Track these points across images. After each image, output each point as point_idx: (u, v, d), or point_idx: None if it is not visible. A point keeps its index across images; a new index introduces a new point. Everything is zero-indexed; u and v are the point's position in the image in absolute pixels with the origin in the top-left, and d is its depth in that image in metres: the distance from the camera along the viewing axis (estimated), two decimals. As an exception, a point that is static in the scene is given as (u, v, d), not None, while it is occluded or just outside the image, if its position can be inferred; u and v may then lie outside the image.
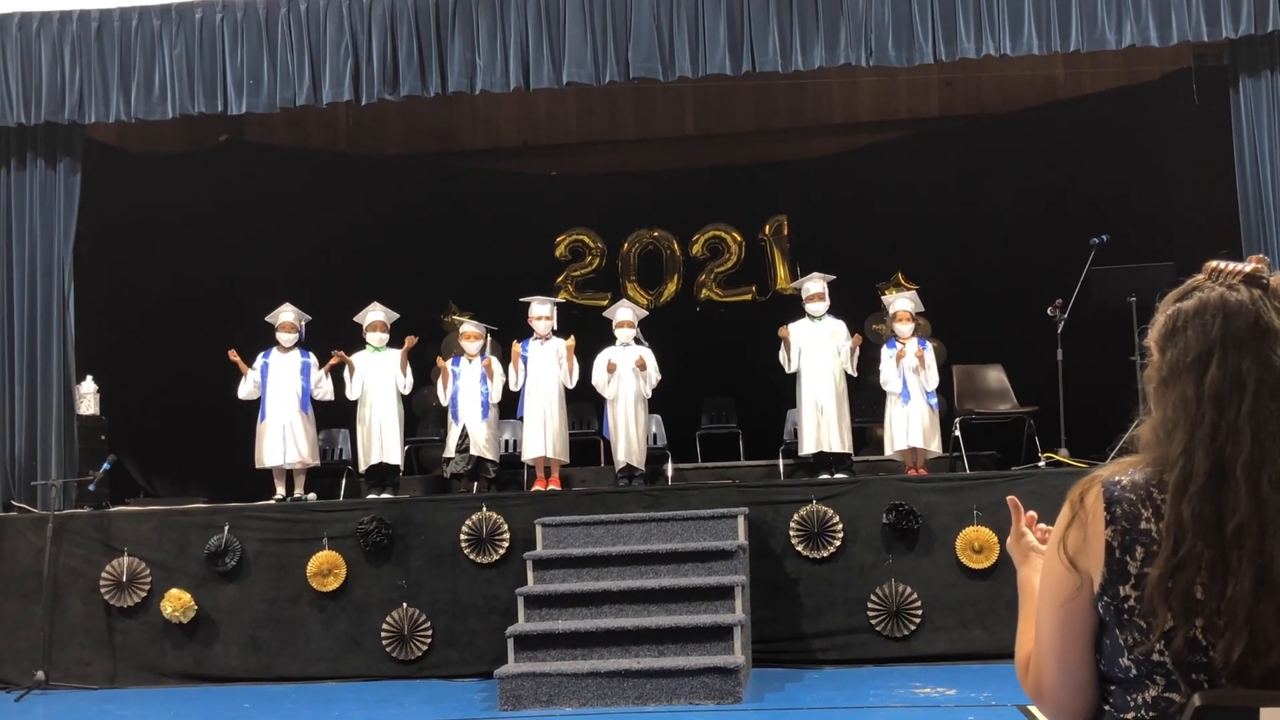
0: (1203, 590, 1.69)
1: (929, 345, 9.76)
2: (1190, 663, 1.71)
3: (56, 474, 9.51)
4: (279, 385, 9.73)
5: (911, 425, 9.44)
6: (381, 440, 9.81)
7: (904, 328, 9.63)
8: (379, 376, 9.87)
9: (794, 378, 9.80)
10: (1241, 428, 1.72)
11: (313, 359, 9.86)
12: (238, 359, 9.76)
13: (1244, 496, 1.70)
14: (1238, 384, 1.74)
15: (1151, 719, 1.75)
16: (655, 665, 7.33)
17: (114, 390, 10.54)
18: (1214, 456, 1.73)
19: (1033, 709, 6.63)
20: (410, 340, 9.95)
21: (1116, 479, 1.80)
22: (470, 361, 9.90)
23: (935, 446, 9.57)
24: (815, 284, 9.85)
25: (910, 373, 9.48)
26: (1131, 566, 1.75)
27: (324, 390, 9.86)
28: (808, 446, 9.66)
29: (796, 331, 9.74)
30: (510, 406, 10.16)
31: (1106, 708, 1.82)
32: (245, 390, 9.81)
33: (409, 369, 9.95)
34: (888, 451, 9.81)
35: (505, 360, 10.00)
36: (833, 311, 9.84)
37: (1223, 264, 1.83)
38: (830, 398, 9.56)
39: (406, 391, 10.07)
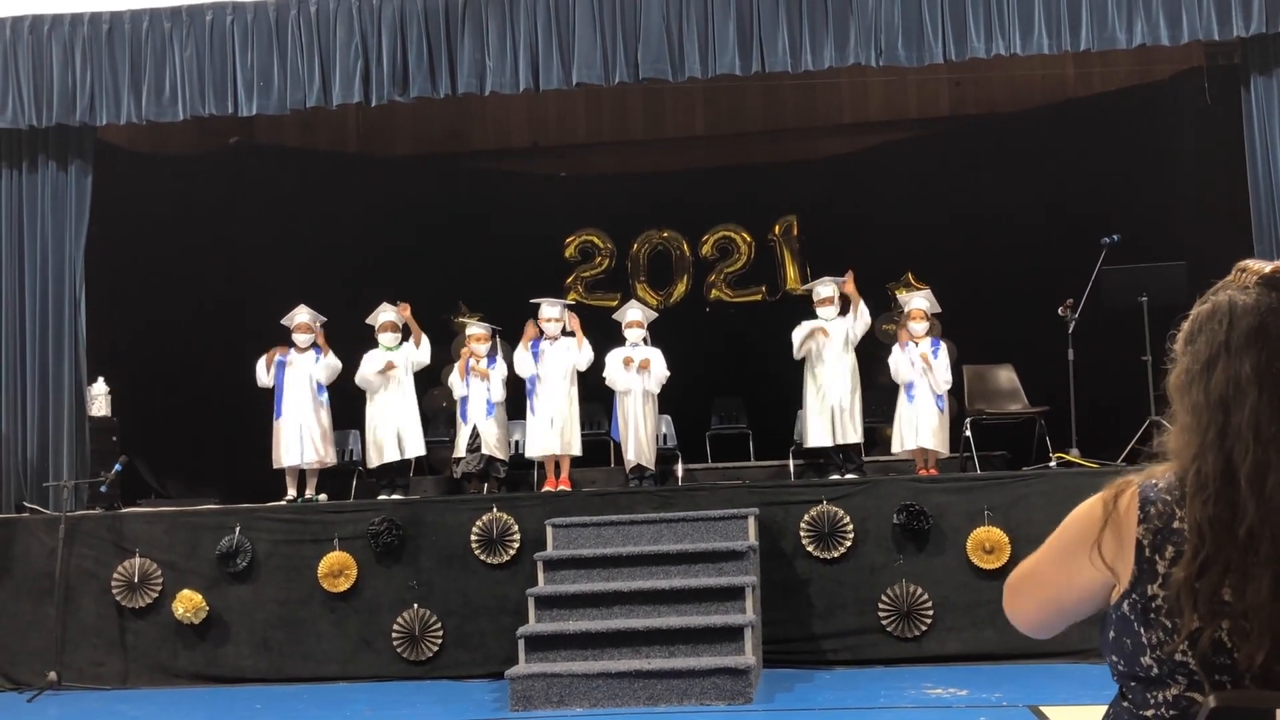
0: (1231, 592, 1.69)
1: (942, 345, 9.73)
2: (1215, 664, 1.71)
3: (68, 475, 9.54)
4: (295, 386, 9.76)
5: (921, 425, 9.43)
6: (400, 436, 9.80)
7: (919, 326, 9.62)
8: (393, 374, 9.87)
9: (803, 377, 9.80)
10: (1244, 432, 1.73)
11: (324, 358, 9.87)
12: (273, 355, 9.78)
13: (1251, 501, 1.70)
14: (1240, 389, 1.74)
15: (1171, 717, 1.75)
16: (666, 666, 7.33)
17: (125, 391, 10.57)
18: (1222, 461, 1.73)
19: (1044, 709, 6.62)
20: (404, 307, 9.89)
21: (1153, 482, 1.81)
22: (479, 363, 9.92)
23: (943, 447, 9.55)
24: (825, 288, 9.83)
25: (923, 371, 9.48)
26: (1160, 565, 1.75)
27: (328, 366, 9.82)
28: (821, 441, 9.64)
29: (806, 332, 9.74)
30: (518, 408, 10.16)
31: (1125, 704, 1.82)
32: (262, 378, 9.85)
33: (424, 338, 9.91)
34: (895, 449, 9.79)
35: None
36: (843, 314, 9.82)
37: (1251, 263, 1.83)
38: (845, 398, 9.56)
39: (427, 360, 9.99)
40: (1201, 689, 1.72)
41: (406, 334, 9.99)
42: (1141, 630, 1.76)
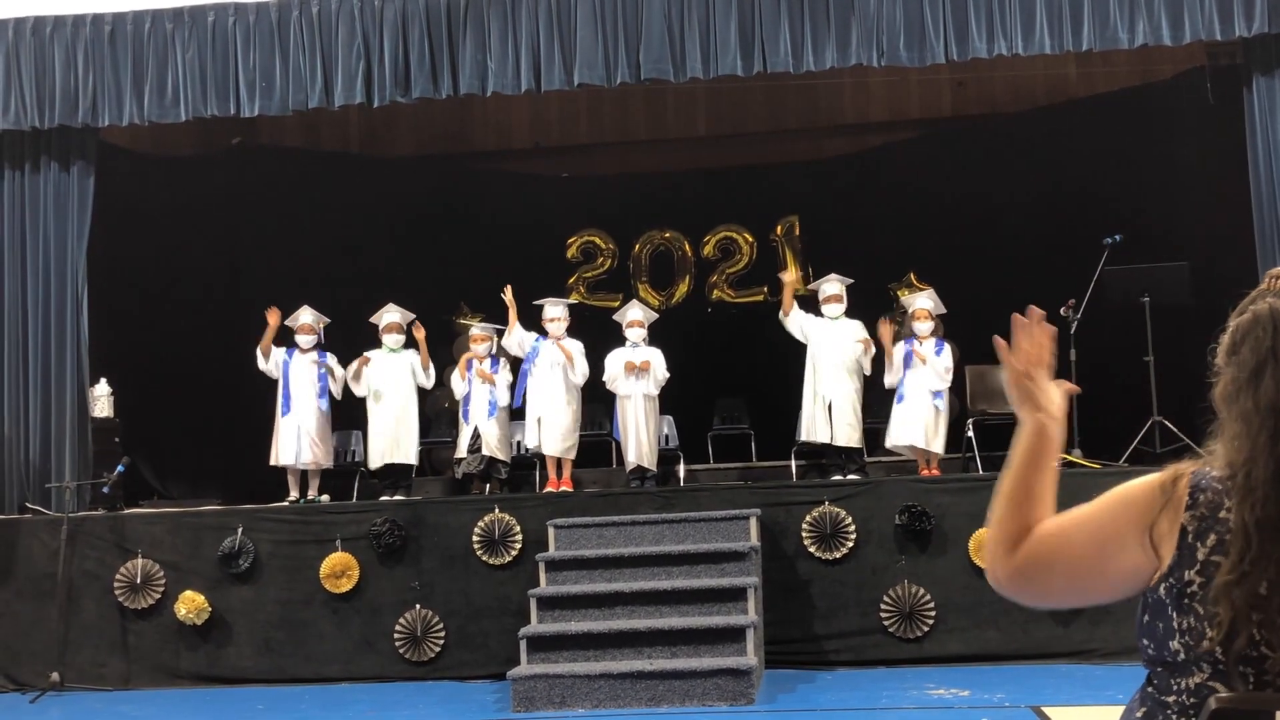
0: (1267, 587, 1.70)
1: (946, 346, 9.71)
2: (1241, 656, 1.72)
3: (71, 476, 9.55)
4: (298, 386, 9.77)
5: (912, 423, 9.41)
6: (397, 440, 9.81)
7: (923, 326, 9.61)
8: (395, 377, 9.88)
9: (805, 374, 9.78)
10: None
11: (331, 360, 9.88)
12: (269, 340, 9.77)
13: None
14: None
15: (1192, 705, 1.76)
16: (668, 667, 7.33)
17: (128, 392, 10.57)
18: (1274, 464, 1.75)
19: (1046, 709, 6.61)
20: (419, 331, 9.94)
21: (1207, 469, 1.83)
22: (480, 363, 9.92)
23: (938, 447, 9.51)
24: (832, 285, 9.82)
25: (917, 370, 9.45)
26: (1200, 552, 1.77)
27: (341, 376, 9.87)
28: (809, 435, 9.63)
29: (814, 328, 9.72)
30: (519, 409, 10.16)
31: (1150, 690, 1.84)
32: (262, 362, 9.86)
33: (430, 365, 9.97)
34: (887, 443, 9.74)
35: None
36: (846, 312, 9.81)
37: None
38: (843, 396, 9.54)
39: (430, 385, 10.09)
40: (1225, 679, 1.73)
41: (409, 337, 9.99)
42: (1174, 615, 1.78)
